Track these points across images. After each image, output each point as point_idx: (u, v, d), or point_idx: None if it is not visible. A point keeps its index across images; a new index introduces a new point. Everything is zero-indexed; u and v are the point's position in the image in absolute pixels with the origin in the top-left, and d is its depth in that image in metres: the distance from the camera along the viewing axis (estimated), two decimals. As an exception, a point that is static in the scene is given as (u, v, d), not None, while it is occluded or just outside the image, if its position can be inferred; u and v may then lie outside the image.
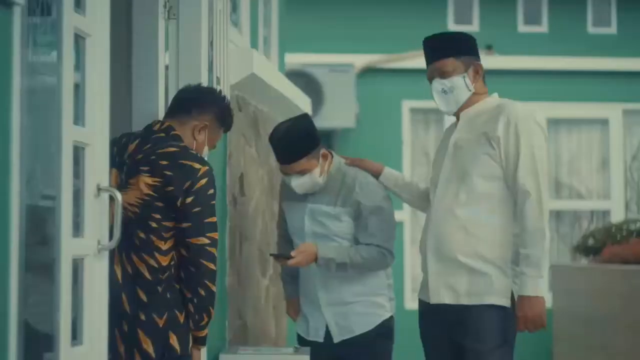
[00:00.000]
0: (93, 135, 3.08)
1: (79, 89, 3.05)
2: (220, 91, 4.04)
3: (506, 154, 3.93)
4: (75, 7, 2.96)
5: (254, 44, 5.96)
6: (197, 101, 3.82)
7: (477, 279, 3.98)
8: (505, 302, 3.97)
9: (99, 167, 3.12)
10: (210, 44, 4.43)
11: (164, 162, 3.58)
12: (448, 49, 4.06)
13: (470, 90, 4.05)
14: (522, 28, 11.60)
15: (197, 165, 3.59)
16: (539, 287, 3.87)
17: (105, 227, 3.16)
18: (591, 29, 11.79)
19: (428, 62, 4.11)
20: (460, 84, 4.04)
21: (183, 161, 3.59)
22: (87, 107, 3.07)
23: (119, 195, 3.16)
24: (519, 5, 11.62)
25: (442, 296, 4.04)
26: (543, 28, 11.69)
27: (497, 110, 3.99)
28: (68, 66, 2.84)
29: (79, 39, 3.02)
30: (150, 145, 3.66)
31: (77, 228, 3.00)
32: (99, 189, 3.11)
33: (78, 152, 3.02)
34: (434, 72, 4.07)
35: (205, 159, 3.86)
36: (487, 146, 3.95)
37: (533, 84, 11.35)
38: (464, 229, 3.98)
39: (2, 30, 2.50)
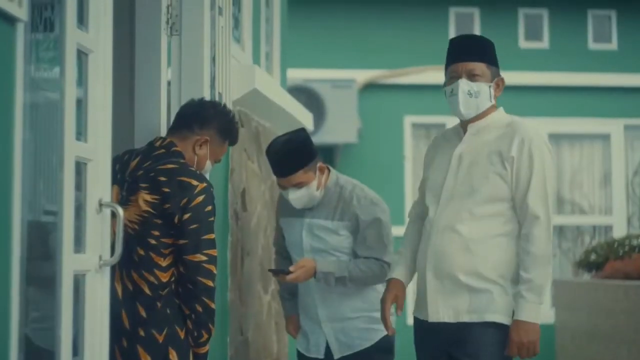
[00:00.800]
0: (95, 150, 3.09)
1: (81, 104, 3.06)
2: (223, 105, 4.05)
3: (517, 176, 3.82)
4: (78, 23, 2.97)
5: (256, 60, 5.97)
6: (199, 116, 3.83)
7: (478, 297, 3.83)
8: (507, 320, 3.82)
9: (101, 183, 3.12)
10: (213, 60, 4.44)
11: (163, 179, 3.59)
12: (482, 54, 3.92)
13: (491, 102, 3.91)
14: (523, 44, 11.62)
15: (194, 182, 3.59)
16: (537, 314, 3.77)
17: (106, 243, 3.17)
18: (592, 45, 11.82)
19: (455, 60, 3.91)
20: (486, 92, 3.89)
21: (181, 178, 3.59)
22: (89, 122, 3.08)
23: (120, 211, 3.16)
24: (520, 21, 11.65)
25: (441, 314, 3.88)
26: (544, 44, 11.71)
27: (511, 129, 3.88)
28: (70, 82, 2.85)
29: (81, 55, 3.03)
30: (150, 162, 3.67)
31: (79, 243, 3.00)
32: (100, 205, 3.11)
33: (80, 168, 3.02)
34: (462, 72, 3.88)
35: (208, 173, 3.86)
36: (499, 166, 3.83)
37: (534, 100, 11.36)
38: (466, 248, 3.83)
39: (5, 46, 2.51)
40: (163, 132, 4.07)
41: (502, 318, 3.82)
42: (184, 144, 3.78)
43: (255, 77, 5.13)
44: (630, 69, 11.69)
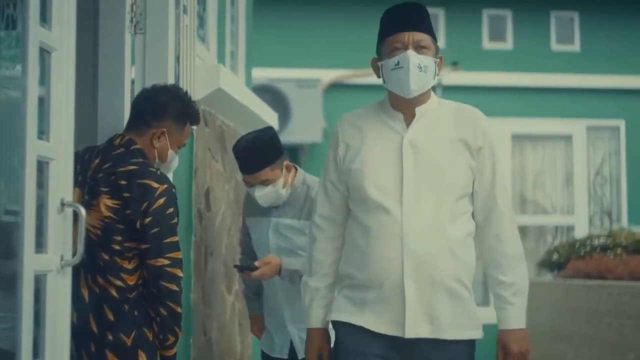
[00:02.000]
0: (58, 149, 3.05)
1: (43, 102, 3.02)
2: (176, 87, 3.94)
3: (482, 168, 3.38)
4: (41, 21, 2.94)
5: (221, 59, 5.95)
6: (152, 107, 3.75)
7: (460, 309, 3.34)
8: (481, 334, 3.42)
9: (63, 182, 3.09)
10: (177, 58, 4.42)
11: (123, 182, 3.54)
12: (428, 25, 3.39)
13: (434, 80, 3.38)
14: (487, 45, 11.68)
15: (155, 185, 3.55)
16: (524, 318, 3.41)
17: (68, 243, 3.13)
18: (555, 46, 11.90)
19: (400, 28, 3.34)
20: (432, 68, 3.34)
21: (141, 181, 3.55)
22: (51, 121, 3.04)
23: (83, 211, 3.12)
24: (484, 22, 11.71)
25: (421, 329, 3.30)
26: (508, 45, 11.78)
27: (469, 116, 3.41)
28: (33, 80, 2.82)
29: (44, 53, 3.00)
30: (110, 163, 3.62)
31: (40, 243, 2.97)
32: (62, 204, 3.08)
33: (42, 167, 2.99)
34: (409, 42, 3.32)
35: (174, 162, 3.81)
36: (467, 156, 3.35)
37: (498, 100, 11.42)
38: (451, 251, 3.31)
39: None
40: (126, 131, 4.03)
41: (479, 333, 3.42)
42: (143, 140, 3.72)
43: (220, 76, 5.11)
44: (593, 70, 11.79)
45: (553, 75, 11.70)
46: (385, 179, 3.32)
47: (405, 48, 3.32)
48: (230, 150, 4.96)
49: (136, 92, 4.26)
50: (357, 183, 3.36)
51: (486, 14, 11.74)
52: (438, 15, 11.52)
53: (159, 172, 3.63)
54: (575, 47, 11.94)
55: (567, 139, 11.87)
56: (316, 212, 3.54)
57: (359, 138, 3.40)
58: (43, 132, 3.00)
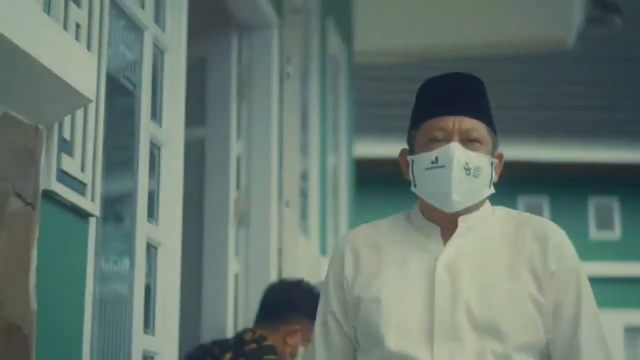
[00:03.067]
0: (163, 344, 3.08)
1: (149, 296, 3.07)
2: (306, 283, 3.95)
3: (557, 306, 2.27)
4: (149, 217, 3.02)
5: (323, 251, 5.99)
6: (284, 303, 3.76)
7: None
8: None
9: (167, 377, 3.10)
10: (280, 252, 4.46)
11: None
12: (484, 109, 2.36)
13: (490, 190, 2.34)
14: (594, 234, 11.54)
15: None
16: None
17: None
18: (664, 234, 11.69)
19: (443, 110, 2.32)
20: (487, 171, 2.31)
21: None
22: (157, 315, 3.08)
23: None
24: (590, 210, 11.61)
25: None
26: (615, 234, 11.62)
27: (538, 228, 2.33)
28: (139, 274, 2.88)
29: (150, 248, 3.07)
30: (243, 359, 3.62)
31: None
32: (166, 399, 3.08)
33: (146, 360, 3.01)
34: (454, 131, 2.29)
35: (300, 358, 3.80)
36: (533, 287, 2.25)
37: (609, 290, 11.17)
38: None
39: (79, 240, 2.55)
40: (229, 324, 4.04)
41: None
42: (274, 336, 3.72)
43: (322, 268, 5.12)
44: None
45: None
46: (410, 317, 2.26)
47: (449, 139, 2.28)
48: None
49: (239, 286, 4.30)
50: (369, 322, 2.29)
51: (593, 202, 11.66)
52: (542, 204, 11.47)
53: None
54: (685, 234, 11.71)
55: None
56: None
57: (375, 259, 2.36)
58: (148, 326, 3.03)
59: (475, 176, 2.27)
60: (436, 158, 2.28)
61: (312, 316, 3.77)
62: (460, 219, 2.32)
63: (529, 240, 2.30)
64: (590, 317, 2.29)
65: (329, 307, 2.41)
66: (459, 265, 2.27)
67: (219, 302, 4.12)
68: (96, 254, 2.64)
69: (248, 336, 3.72)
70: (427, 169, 2.30)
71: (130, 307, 2.83)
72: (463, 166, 2.26)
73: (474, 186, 2.28)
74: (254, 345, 3.67)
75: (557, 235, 2.32)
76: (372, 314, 2.28)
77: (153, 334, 3.06)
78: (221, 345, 3.75)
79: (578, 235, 11.51)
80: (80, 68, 2.27)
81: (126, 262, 2.87)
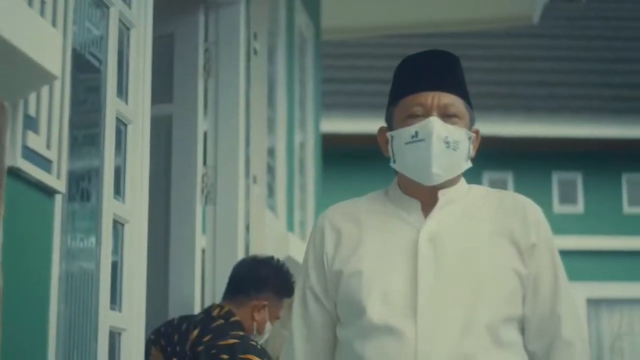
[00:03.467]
0: (130, 320, 3.08)
1: (116, 274, 3.07)
2: (277, 260, 3.97)
3: (537, 277, 2.31)
4: (115, 194, 3.02)
5: (290, 228, 6.01)
6: (253, 278, 3.79)
7: None
8: None
9: (134, 353, 3.10)
10: (247, 228, 4.47)
11: (225, 357, 3.54)
12: (461, 85, 2.38)
13: (467, 164, 2.36)
14: (557, 208, 11.64)
15: (257, 359, 3.55)
16: None
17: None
18: (627, 209, 11.81)
19: (422, 87, 2.33)
20: (465, 145, 2.33)
21: (243, 355, 3.54)
22: (124, 292, 3.08)
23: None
24: (554, 186, 11.71)
25: None
26: (579, 208, 11.73)
27: (516, 203, 2.37)
28: (106, 251, 2.88)
29: (117, 225, 3.07)
30: (211, 336, 3.63)
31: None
32: (133, 374, 3.08)
33: (114, 337, 3.01)
34: (433, 106, 2.31)
35: (267, 334, 3.82)
36: (515, 258, 2.29)
37: (571, 264, 11.29)
38: None
39: (44, 217, 2.55)
40: (197, 301, 4.05)
41: None
42: (242, 311, 3.74)
43: (289, 244, 5.14)
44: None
45: (626, 238, 11.56)
46: (393, 289, 2.25)
47: (428, 114, 2.30)
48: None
49: (207, 262, 4.30)
50: (351, 293, 2.28)
51: (556, 177, 11.76)
52: (507, 179, 11.56)
53: (259, 347, 3.62)
54: (648, 209, 11.84)
55: (644, 302, 11.62)
56: (291, 343, 2.41)
57: (356, 232, 2.35)
58: (115, 303, 3.04)
59: (454, 149, 2.28)
60: (416, 132, 2.28)
61: (280, 293, 3.82)
62: (440, 193, 2.32)
63: (509, 214, 2.33)
64: (567, 290, 2.34)
65: (307, 283, 2.38)
66: (441, 238, 2.28)
67: (186, 279, 4.13)
68: (62, 231, 2.64)
69: (216, 312, 3.74)
70: (407, 143, 2.30)
71: (97, 283, 2.83)
72: (443, 140, 2.27)
73: (453, 160, 2.29)
74: (221, 321, 3.69)
75: (536, 210, 2.37)
76: (354, 287, 2.27)
77: (120, 310, 3.06)
78: (189, 321, 3.76)
79: (542, 210, 11.61)
80: (45, 44, 2.26)
81: (92, 239, 2.87)
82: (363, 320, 2.24)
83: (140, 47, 3.25)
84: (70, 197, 2.74)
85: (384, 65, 11.91)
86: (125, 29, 3.21)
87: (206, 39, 4.46)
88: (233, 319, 3.70)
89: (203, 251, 4.32)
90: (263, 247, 4.73)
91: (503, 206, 2.36)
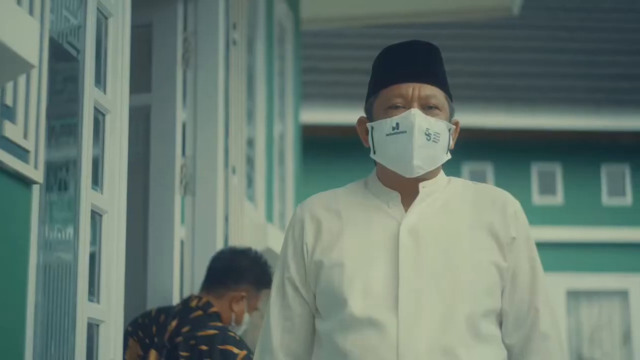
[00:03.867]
0: (108, 312, 3.06)
1: (94, 264, 3.05)
2: (255, 252, 3.98)
3: (516, 271, 2.33)
4: (93, 184, 3.00)
5: (269, 218, 6.00)
6: (232, 270, 3.78)
7: None
8: None
9: (113, 344, 3.08)
10: (226, 218, 4.46)
11: (204, 348, 3.54)
12: (442, 76, 2.38)
13: (447, 156, 2.36)
14: (536, 199, 11.69)
15: (235, 350, 3.53)
16: None
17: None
18: (606, 200, 11.86)
19: (402, 78, 2.33)
20: (445, 137, 2.33)
21: (222, 346, 3.54)
22: (102, 283, 3.06)
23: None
24: (534, 177, 11.75)
25: None
26: (558, 199, 11.77)
27: (495, 197, 2.38)
28: (84, 242, 2.86)
29: (95, 215, 3.05)
30: (189, 327, 3.62)
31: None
32: (112, 367, 3.07)
33: (92, 329, 2.99)
34: (414, 97, 2.31)
35: (245, 325, 3.82)
36: (494, 251, 2.30)
37: (550, 255, 11.34)
38: None
39: (22, 208, 2.53)
40: (175, 292, 4.04)
41: None
42: (220, 303, 3.74)
43: (268, 235, 5.14)
44: (645, 223, 11.71)
45: (605, 229, 11.62)
46: (374, 281, 2.25)
47: (409, 106, 2.30)
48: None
49: (185, 253, 4.29)
50: (332, 285, 2.27)
51: (535, 168, 11.79)
52: (486, 170, 11.59)
53: (237, 337, 3.61)
54: (627, 200, 11.88)
55: (624, 294, 11.67)
56: (268, 334, 2.38)
57: (336, 223, 2.34)
58: (93, 294, 3.02)
59: (435, 142, 2.28)
60: (397, 124, 2.28)
61: (258, 284, 3.82)
62: (421, 185, 2.33)
63: (489, 207, 2.34)
64: (544, 283, 2.36)
65: (286, 274, 2.36)
66: (422, 230, 2.29)
67: (165, 270, 4.11)
68: (40, 221, 2.62)
69: (194, 303, 3.73)
70: (388, 135, 2.30)
71: (74, 275, 2.81)
72: (424, 132, 2.27)
73: (434, 152, 2.29)
74: (199, 312, 3.68)
75: (515, 204, 2.38)
76: (335, 278, 2.26)
77: (98, 301, 3.04)
78: (167, 312, 3.75)
79: (521, 201, 11.62)
80: (22, 33, 2.23)
81: (70, 230, 2.85)
82: (344, 313, 2.24)
83: (119, 36, 3.22)
84: (47, 187, 2.72)
85: (364, 56, 11.91)
86: (103, 18, 3.18)
87: (185, 29, 4.44)
88: (211, 309, 3.69)
89: (182, 242, 4.30)
90: (242, 238, 4.72)
91: (482, 199, 2.36)
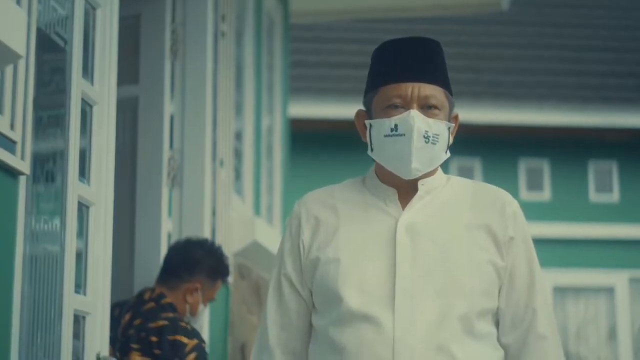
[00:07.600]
0: (94, 303, 3.06)
1: (81, 256, 3.04)
2: (210, 243, 3.98)
3: (513, 271, 2.32)
4: (80, 176, 2.99)
5: (257, 212, 5.99)
6: (186, 261, 3.78)
7: None
8: None
9: (99, 337, 3.08)
10: (213, 212, 4.46)
11: (154, 339, 3.54)
12: (442, 74, 2.35)
13: (446, 155, 2.35)
14: (524, 195, 11.71)
15: (185, 340, 3.54)
16: None
17: (103, 398, 3.10)
18: (593, 197, 11.89)
19: (402, 77, 2.30)
20: (444, 138, 2.32)
21: (172, 337, 3.54)
22: (89, 274, 3.06)
23: (118, 365, 3.11)
24: (521, 172, 11.77)
25: None
26: (545, 195, 11.80)
27: (493, 196, 2.38)
28: (71, 234, 2.85)
29: (82, 207, 3.04)
30: (141, 319, 3.62)
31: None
32: (98, 359, 3.06)
33: (78, 320, 2.98)
34: (413, 98, 2.28)
35: (202, 316, 3.81)
36: (492, 251, 2.29)
37: (537, 251, 11.36)
38: None
39: (8, 198, 2.51)
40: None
41: None
42: (174, 294, 3.74)
43: (255, 229, 5.13)
44: (634, 220, 11.73)
45: (592, 225, 11.65)
46: (370, 278, 2.25)
47: (408, 106, 2.27)
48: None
49: (174, 246, 4.28)
50: (328, 281, 2.27)
51: (523, 164, 11.81)
52: (474, 166, 11.60)
53: (189, 327, 3.61)
54: (614, 197, 11.92)
55: (610, 291, 11.71)
56: (265, 331, 2.37)
57: (333, 220, 2.33)
58: (80, 286, 3.01)
59: (434, 143, 2.27)
60: (395, 126, 2.26)
61: (213, 274, 3.82)
62: (420, 182, 2.32)
63: (487, 206, 2.33)
64: (542, 283, 2.35)
65: (282, 270, 2.37)
66: (420, 228, 2.28)
67: (152, 262, 4.10)
68: (26, 213, 2.61)
69: (147, 295, 3.73)
70: (386, 135, 2.28)
71: (61, 267, 2.80)
72: (423, 135, 2.25)
73: (432, 154, 2.28)
74: (152, 304, 3.68)
75: (513, 203, 2.37)
76: (331, 274, 2.26)
77: (85, 293, 3.04)
78: (122, 306, 3.75)
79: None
80: (9, 23, 2.22)
81: (57, 222, 2.84)
82: (340, 309, 2.24)
83: (107, 27, 3.21)
84: (34, 178, 2.71)
85: (352, 50, 11.92)
86: (91, 8, 3.17)
87: (173, 20, 4.43)
88: (164, 300, 3.69)
89: (169, 235, 4.30)
90: (229, 231, 4.72)
91: (481, 198, 2.35)
